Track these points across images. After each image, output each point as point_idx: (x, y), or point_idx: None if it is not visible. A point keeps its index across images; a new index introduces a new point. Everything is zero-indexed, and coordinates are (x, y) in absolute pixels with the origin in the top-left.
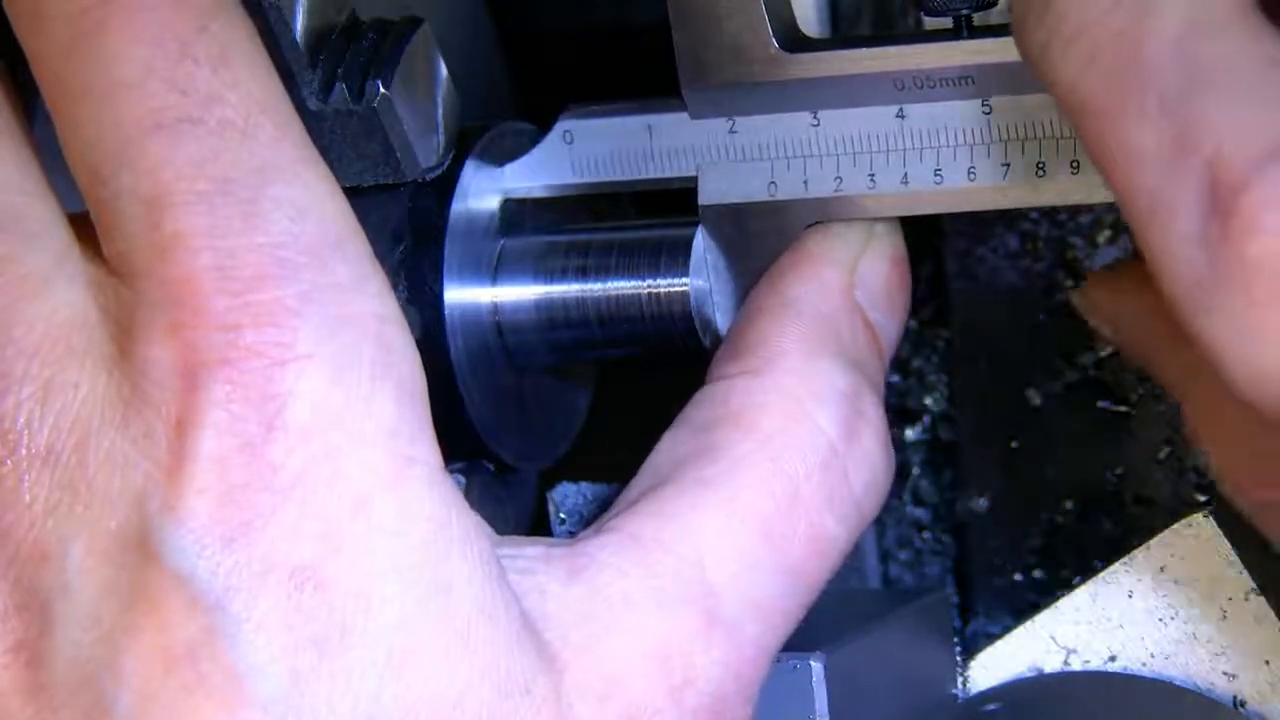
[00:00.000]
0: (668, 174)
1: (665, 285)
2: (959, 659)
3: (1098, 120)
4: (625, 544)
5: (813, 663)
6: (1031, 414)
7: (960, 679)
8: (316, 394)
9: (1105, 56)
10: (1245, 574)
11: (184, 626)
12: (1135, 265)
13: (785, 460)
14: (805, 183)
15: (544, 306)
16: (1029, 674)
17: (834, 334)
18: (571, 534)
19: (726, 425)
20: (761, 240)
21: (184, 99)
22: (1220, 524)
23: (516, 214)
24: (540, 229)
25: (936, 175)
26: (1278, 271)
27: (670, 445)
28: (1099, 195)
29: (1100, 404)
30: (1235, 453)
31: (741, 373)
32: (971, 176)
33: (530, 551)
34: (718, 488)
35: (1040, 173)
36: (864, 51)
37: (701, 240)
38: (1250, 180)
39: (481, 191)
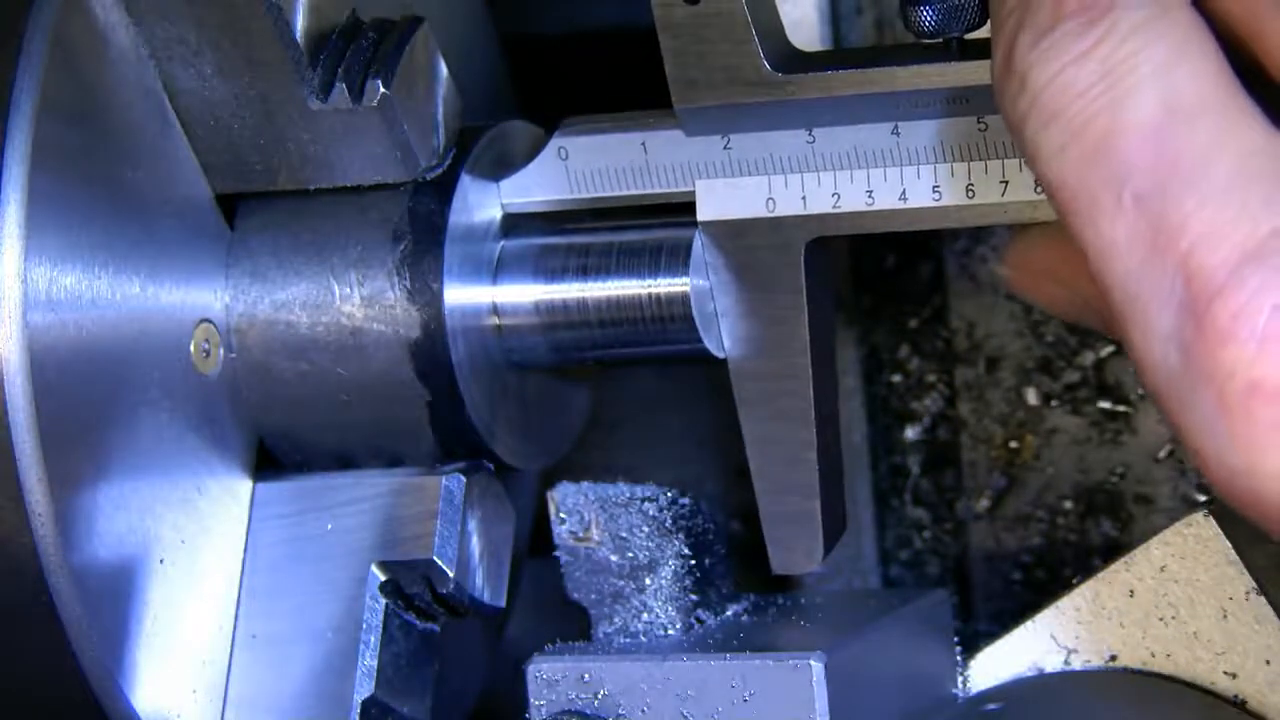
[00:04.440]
0: (664, 189)
1: (665, 285)
2: (959, 659)
3: (1073, 204)
4: None
5: (813, 663)
6: (1032, 414)
7: (960, 679)
8: None
9: (1080, 143)
10: (1245, 574)
11: None
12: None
13: None
14: (803, 199)
15: (544, 307)
16: (1029, 674)
17: None
18: (572, 534)
19: None
20: (762, 255)
21: None
22: (1220, 524)
23: (516, 219)
24: (540, 230)
25: (935, 192)
26: (1250, 378)
27: None
28: None
29: (1100, 404)
30: None
31: None
32: (970, 194)
33: None
34: None
35: (1039, 190)
36: (857, 73)
37: (701, 245)
38: (1225, 286)
39: (482, 192)
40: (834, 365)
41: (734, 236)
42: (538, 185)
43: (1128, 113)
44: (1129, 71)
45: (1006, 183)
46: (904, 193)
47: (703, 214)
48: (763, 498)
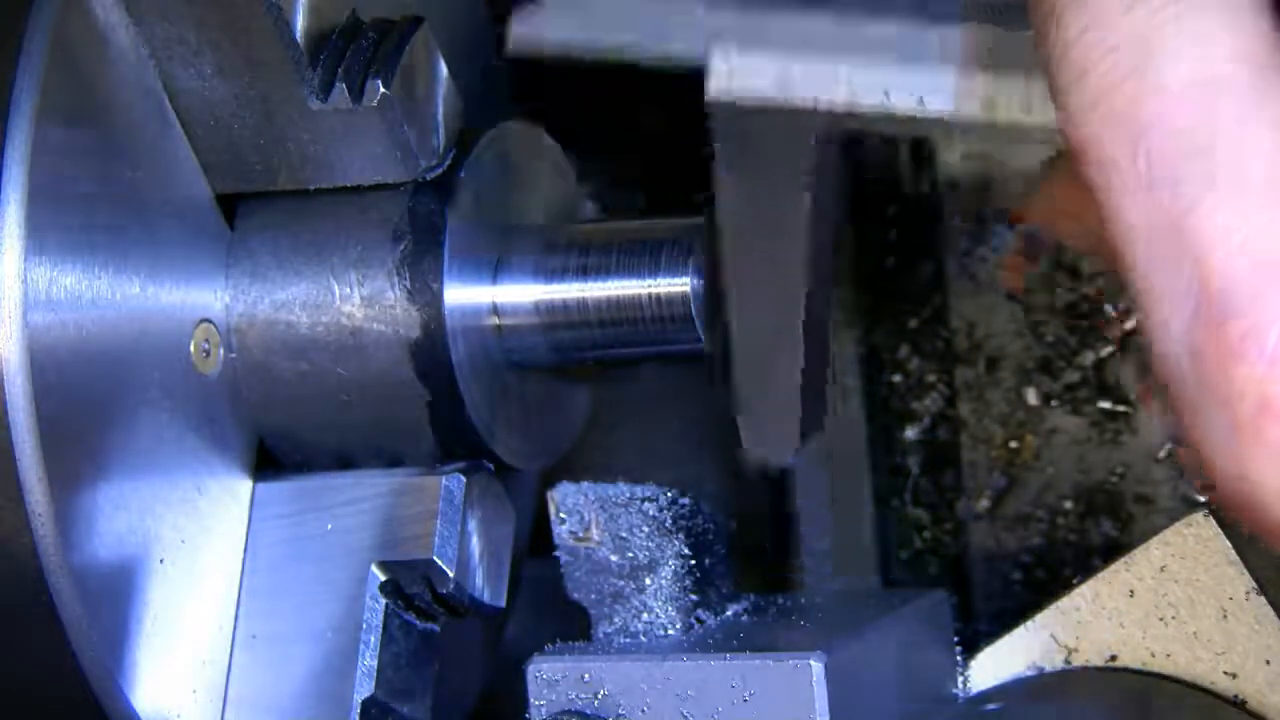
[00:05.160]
0: (679, 53)
1: (666, 285)
2: (959, 659)
3: (1096, 170)
4: None
5: (813, 663)
6: (1032, 414)
7: (960, 679)
8: None
9: (1105, 104)
10: (1245, 574)
11: None
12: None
13: None
14: (819, 88)
15: (544, 307)
16: (1029, 674)
17: None
18: (572, 534)
19: None
20: (770, 141)
21: None
22: (1220, 524)
23: (516, 220)
24: (540, 230)
25: (953, 100)
26: (1262, 398)
27: None
28: None
29: (1100, 404)
30: None
31: None
32: (990, 108)
33: None
34: None
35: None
36: None
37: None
38: (1241, 303)
39: (481, 192)
40: (831, 286)
41: (744, 117)
42: (551, 28)
43: (1154, 78)
44: (1165, 36)
45: (1030, 105)
46: (922, 98)
47: (714, 90)
48: (742, 387)
